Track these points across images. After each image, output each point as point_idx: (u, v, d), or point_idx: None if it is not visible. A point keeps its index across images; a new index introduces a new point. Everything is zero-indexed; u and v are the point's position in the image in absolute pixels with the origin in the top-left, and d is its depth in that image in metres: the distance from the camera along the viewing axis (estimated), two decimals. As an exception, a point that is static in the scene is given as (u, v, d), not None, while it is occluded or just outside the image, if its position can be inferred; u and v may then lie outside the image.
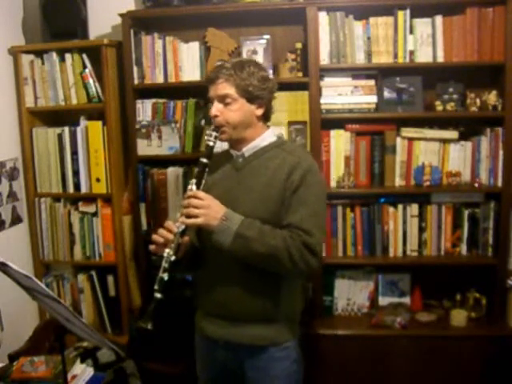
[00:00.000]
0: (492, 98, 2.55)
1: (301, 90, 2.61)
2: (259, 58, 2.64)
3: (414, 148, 2.66)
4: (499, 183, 2.59)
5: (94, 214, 2.83)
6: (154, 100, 2.74)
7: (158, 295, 1.62)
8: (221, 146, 1.86)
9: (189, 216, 1.62)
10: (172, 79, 2.70)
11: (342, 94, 2.64)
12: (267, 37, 2.68)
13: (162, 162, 2.80)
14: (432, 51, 2.57)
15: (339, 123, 2.67)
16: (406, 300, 2.82)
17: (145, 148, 2.73)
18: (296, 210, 1.66)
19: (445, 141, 2.65)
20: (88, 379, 2.00)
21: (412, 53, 2.58)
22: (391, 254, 2.72)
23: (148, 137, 2.72)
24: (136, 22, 2.69)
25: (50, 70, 2.75)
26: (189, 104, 2.71)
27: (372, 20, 2.57)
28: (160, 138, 2.71)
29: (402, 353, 2.61)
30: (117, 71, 2.76)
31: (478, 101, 2.58)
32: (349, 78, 2.66)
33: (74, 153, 2.78)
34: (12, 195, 2.73)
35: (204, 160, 1.69)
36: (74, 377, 1.97)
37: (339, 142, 2.68)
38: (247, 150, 1.77)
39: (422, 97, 2.65)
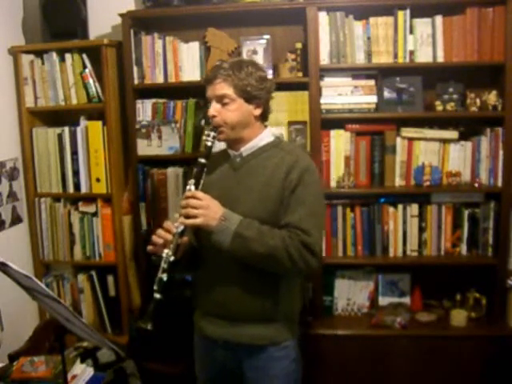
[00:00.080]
0: (492, 97, 2.55)
1: (301, 89, 2.61)
2: (259, 58, 2.64)
3: (414, 148, 2.66)
4: (499, 183, 2.58)
5: (94, 214, 2.83)
6: (154, 100, 2.74)
7: (158, 296, 1.62)
8: (219, 146, 1.86)
9: (188, 216, 1.62)
10: (172, 79, 2.70)
11: (342, 94, 2.63)
12: (267, 37, 2.68)
13: (162, 161, 2.80)
14: (432, 51, 2.57)
15: (339, 123, 2.67)
16: (406, 300, 2.82)
17: (145, 148, 2.73)
18: (295, 209, 1.66)
19: (445, 141, 2.65)
20: (88, 379, 2.00)
21: (412, 53, 2.58)
22: (391, 253, 2.72)
23: (148, 137, 2.72)
24: (136, 22, 2.69)
25: (49, 70, 2.75)
26: (189, 104, 2.71)
27: (372, 20, 2.57)
28: (160, 137, 2.71)
29: (402, 353, 2.61)
30: (117, 71, 2.76)
31: (477, 101, 2.58)
32: (349, 77, 2.66)
33: (74, 153, 2.78)
34: (12, 195, 2.74)
35: (202, 160, 1.69)
36: (73, 377, 1.97)
37: (339, 142, 2.68)
38: (245, 149, 1.77)
39: (422, 97, 2.65)
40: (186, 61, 2.70)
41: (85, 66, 2.71)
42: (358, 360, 2.63)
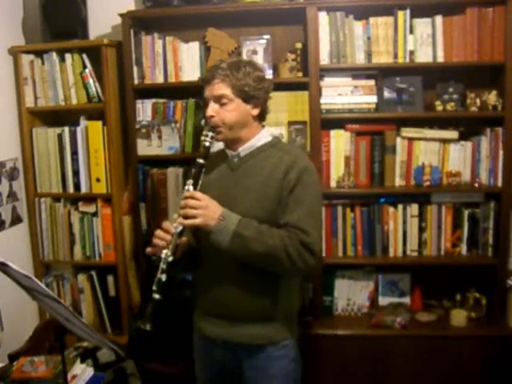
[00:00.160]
0: (492, 98, 2.55)
1: (301, 90, 2.61)
2: (259, 58, 2.64)
3: (414, 148, 2.66)
4: (499, 183, 2.58)
5: (94, 214, 2.83)
6: (154, 100, 2.74)
7: (157, 296, 1.62)
8: (217, 146, 1.86)
9: (186, 217, 1.62)
10: (172, 79, 2.70)
11: (342, 94, 2.63)
12: (267, 37, 2.68)
13: (162, 161, 2.80)
14: (432, 51, 2.57)
15: (339, 123, 2.67)
16: (406, 300, 2.82)
17: (145, 148, 2.73)
18: (293, 209, 1.66)
19: (445, 141, 2.64)
20: (88, 379, 2.00)
21: (412, 53, 2.58)
22: (391, 253, 2.72)
23: (148, 137, 2.72)
24: (136, 22, 2.69)
25: (49, 70, 2.75)
26: (189, 104, 2.71)
27: (372, 20, 2.57)
28: (160, 137, 2.71)
29: (402, 353, 2.61)
30: (117, 71, 2.76)
31: (477, 101, 2.58)
32: (349, 77, 2.66)
33: (74, 153, 2.78)
34: (12, 195, 2.74)
35: (200, 160, 1.69)
36: (73, 377, 1.98)
37: (339, 142, 2.68)
38: (243, 149, 1.77)
39: (422, 97, 2.65)
40: (186, 61, 2.70)
41: (85, 66, 2.72)
42: (358, 360, 2.63)
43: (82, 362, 2.10)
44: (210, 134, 1.71)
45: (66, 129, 2.78)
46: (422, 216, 2.69)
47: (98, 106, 2.73)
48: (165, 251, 1.64)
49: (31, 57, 2.76)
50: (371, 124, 2.68)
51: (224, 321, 1.77)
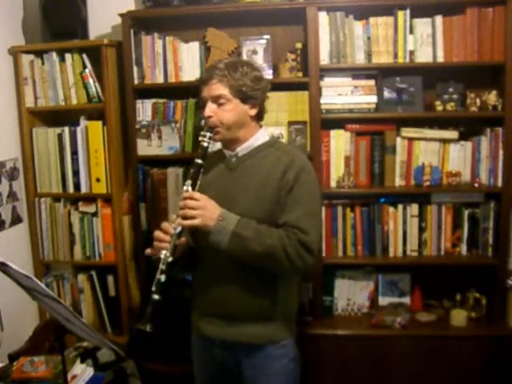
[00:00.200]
0: (492, 98, 2.55)
1: (301, 90, 2.61)
2: (259, 58, 2.65)
3: (414, 148, 2.66)
4: (499, 183, 2.58)
5: (94, 214, 2.83)
6: (153, 100, 2.74)
7: (156, 297, 1.62)
8: (216, 146, 1.86)
9: (185, 217, 1.62)
10: (172, 79, 2.70)
11: (342, 94, 2.63)
12: (267, 37, 2.68)
13: (162, 162, 2.80)
14: (432, 51, 2.57)
15: (339, 123, 2.67)
16: (406, 300, 2.82)
17: (145, 148, 2.73)
18: (292, 209, 1.67)
19: (445, 141, 2.64)
20: (88, 379, 2.00)
21: (412, 53, 2.58)
22: (391, 253, 2.72)
23: (148, 137, 2.72)
24: (136, 22, 2.69)
25: (49, 70, 2.75)
26: (189, 104, 2.71)
27: (372, 20, 2.57)
28: (160, 137, 2.71)
29: (402, 353, 2.61)
30: (117, 71, 2.76)
31: (477, 101, 2.58)
32: (349, 78, 2.66)
33: (74, 153, 2.78)
34: (12, 195, 2.74)
35: (199, 161, 1.69)
36: (73, 377, 1.98)
37: (339, 142, 2.67)
38: (241, 149, 1.78)
39: (422, 97, 2.65)
40: (186, 61, 2.70)
41: (85, 66, 2.71)
42: (358, 360, 2.63)
43: (82, 362, 2.11)
44: (208, 134, 1.71)
45: (66, 129, 2.78)
46: (421, 216, 2.68)
47: (98, 106, 2.73)
48: (164, 252, 1.64)
49: (31, 57, 2.76)
50: (371, 124, 2.68)
51: (223, 320, 1.77)
